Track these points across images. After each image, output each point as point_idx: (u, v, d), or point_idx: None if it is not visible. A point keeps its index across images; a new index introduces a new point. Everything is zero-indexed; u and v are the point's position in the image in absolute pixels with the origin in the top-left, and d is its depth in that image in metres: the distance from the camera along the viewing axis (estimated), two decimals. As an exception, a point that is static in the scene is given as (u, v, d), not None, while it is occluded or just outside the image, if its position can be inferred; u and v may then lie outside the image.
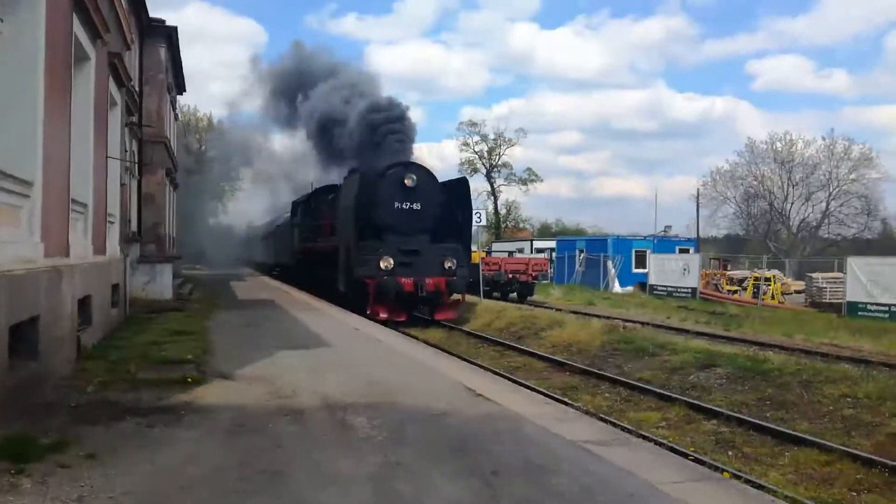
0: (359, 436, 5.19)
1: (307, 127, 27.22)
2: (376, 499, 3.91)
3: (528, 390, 8.12)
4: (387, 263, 16.09)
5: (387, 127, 19.86)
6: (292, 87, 27.48)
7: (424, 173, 17.64)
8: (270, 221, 37.28)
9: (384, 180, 17.03)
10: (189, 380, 6.91)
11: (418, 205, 17.00)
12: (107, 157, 11.07)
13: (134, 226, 18.04)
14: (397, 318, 16.03)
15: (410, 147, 20.34)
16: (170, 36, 22.42)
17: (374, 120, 20.27)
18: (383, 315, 15.77)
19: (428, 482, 4.18)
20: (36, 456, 4.37)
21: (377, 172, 17.37)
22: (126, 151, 14.81)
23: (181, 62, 26.70)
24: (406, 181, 16.84)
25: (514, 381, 9.20)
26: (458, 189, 18.53)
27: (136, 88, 17.45)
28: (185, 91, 31.69)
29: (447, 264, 16.77)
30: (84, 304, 8.75)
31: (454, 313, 17.54)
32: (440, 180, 18.38)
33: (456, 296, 17.75)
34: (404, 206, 16.89)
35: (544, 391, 9.30)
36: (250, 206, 56.58)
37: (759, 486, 5.45)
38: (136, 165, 18.08)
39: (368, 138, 20.36)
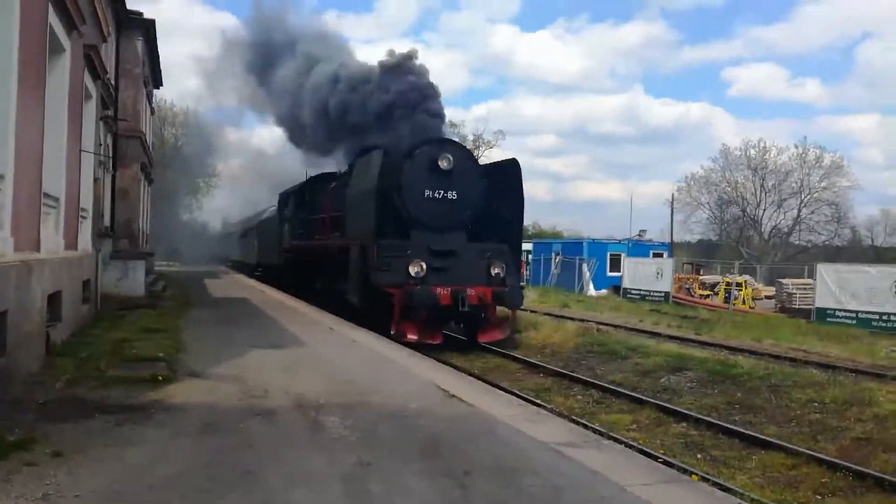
0: (331, 436, 5.18)
1: (280, 109, 23.28)
2: (348, 499, 3.91)
3: (502, 392, 8.15)
4: (418, 269, 12.59)
5: (411, 97, 15.41)
6: (263, 60, 23.44)
7: (462, 153, 14.13)
8: (252, 216, 34.32)
9: (412, 162, 13.47)
10: (160, 378, 6.84)
11: (454, 193, 13.49)
12: (80, 150, 10.92)
13: (107, 221, 17.80)
14: (431, 341, 12.51)
15: (441, 122, 15.89)
16: (147, 29, 22.15)
17: (388, 89, 16.17)
18: (412, 336, 12.30)
19: (400, 482, 4.19)
20: (1, 453, 4.30)
21: (402, 152, 13.84)
22: (100, 145, 14.61)
23: (158, 56, 26.39)
24: (440, 163, 13.28)
25: (488, 383, 9.23)
26: (504, 174, 14.42)
27: (112, 82, 17.22)
28: (161, 85, 31.31)
29: (495, 270, 13.23)
30: (54, 299, 8.62)
31: (502, 334, 13.84)
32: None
33: (501, 311, 14.08)
34: (436, 195, 13.39)
35: (517, 392, 9.36)
36: (227, 202, 56.19)
37: (727, 489, 5.54)
38: (111, 160, 17.84)
39: (385, 112, 16.26)
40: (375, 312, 12.99)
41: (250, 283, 26.04)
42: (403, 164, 13.43)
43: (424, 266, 12.67)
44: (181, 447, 4.75)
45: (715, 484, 5.64)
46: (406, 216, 13.34)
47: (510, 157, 14.91)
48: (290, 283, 21.58)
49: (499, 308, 13.78)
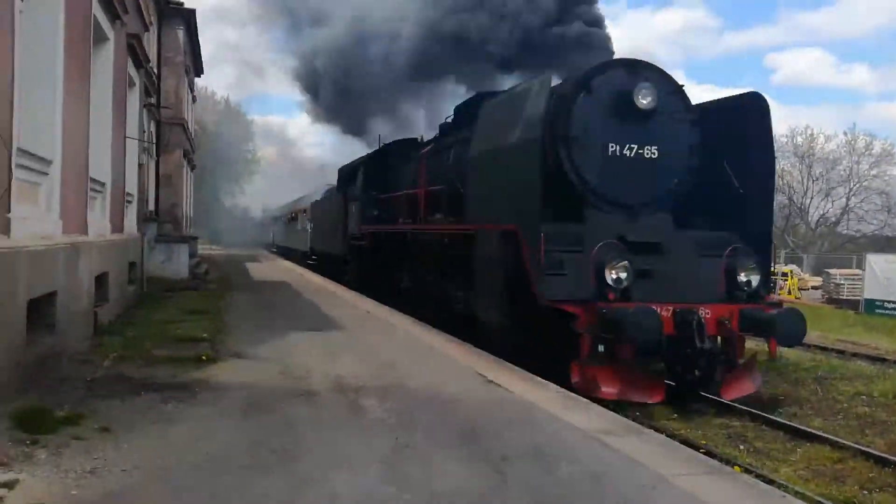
0: (370, 418, 5.21)
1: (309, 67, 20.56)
2: (385, 481, 3.93)
3: (540, 379, 8.11)
4: (621, 273, 7.53)
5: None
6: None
7: (666, 83, 8.59)
8: (303, 196, 31.03)
9: (588, 97, 8.29)
10: (203, 358, 6.97)
11: (654, 149, 8.37)
12: (125, 137, 11.15)
13: (151, 205, 18.19)
14: (645, 399, 7.63)
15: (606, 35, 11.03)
16: (188, 18, 22.50)
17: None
18: (609, 389, 7.42)
19: (437, 466, 4.19)
20: (51, 428, 4.43)
21: (574, 81, 8.62)
22: (144, 132, 14.92)
23: (199, 44, 26.79)
24: (638, 98, 8.13)
25: (526, 369, 9.18)
26: (734, 119, 8.82)
27: (155, 70, 17.52)
28: (202, 73, 31.85)
29: (745, 276, 8.10)
30: (101, 280, 8.85)
31: (753, 384, 8.39)
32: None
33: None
34: (627, 152, 8.29)
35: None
36: (267, 186, 56.97)
37: (770, 481, 5.41)
38: (154, 146, 18.19)
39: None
40: (534, 342, 8.04)
41: (287, 266, 26.25)
42: (575, 101, 8.25)
43: (629, 269, 7.50)
44: (224, 426, 4.83)
45: (758, 476, 5.53)
46: (579, 186, 8.19)
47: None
48: (358, 277, 17.28)
49: None
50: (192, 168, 29.10)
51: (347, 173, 18.66)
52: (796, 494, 4.97)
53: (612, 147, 8.30)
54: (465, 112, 11.46)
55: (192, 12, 22.54)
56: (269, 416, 5.14)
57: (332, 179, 22.32)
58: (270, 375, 6.47)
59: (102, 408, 5.05)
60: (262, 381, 6.24)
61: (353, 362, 7.29)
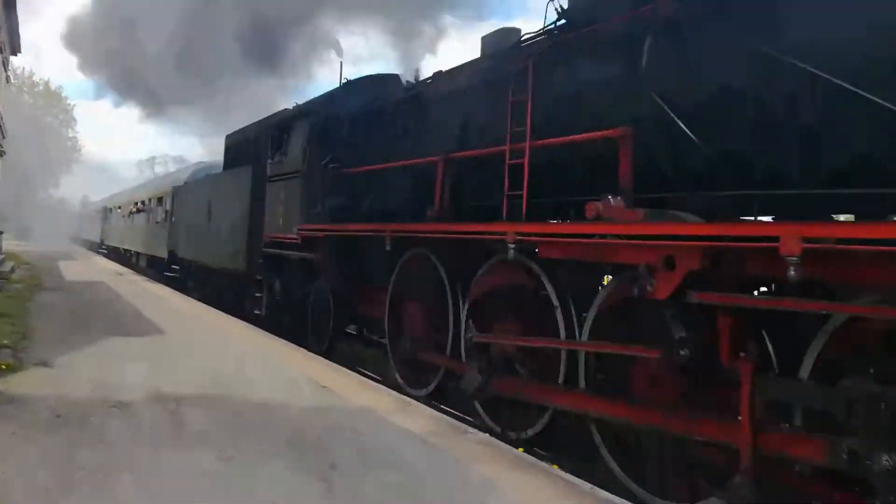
0: (192, 430, 4.98)
1: None
2: (206, 497, 3.79)
3: (375, 383, 8.17)
4: None
5: None
6: None
7: None
8: (153, 180, 26.14)
9: None
10: (4, 367, 6.36)
11: None
12: (-85, 116, 9.88)
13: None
14: None
15: None
16: (3, -11, 20.37)
17: None
18: None
19: (263, 477, 4.11)
20: None
21: None
22: (-60, 111, 13.27)
23: (17, 21, 24.40)
24: None
25: (363, 374, 9.21)
26: None
27: (-43, 42, 15.65)
28: (19, 52, 28.87)
29: None
30: None
31: None
32: None
33: None
34: None
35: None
36: (91, 178, 52.78)
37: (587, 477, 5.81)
38: (-47, 128, 16.24)
39: None
40: None
41: (113, 267, 24.34)
42: None
43: None
44: (27, 442, 4.43)
45: (574, 472, 5.92)
46: None
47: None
48: (291, 316, 10.65)
49: None
50: (1, 155, 26.24)
51: (257, 137, 11.92)
52: (603, 488, 5.41)
53: None
54: None
55: (10, -15, 20.42)
56: (78, 430, 4.76)
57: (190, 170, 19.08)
58: (81, 385, 5.98)
59: None
60: (72, 391, 5.76)
61: (175, 370, 6.91)
